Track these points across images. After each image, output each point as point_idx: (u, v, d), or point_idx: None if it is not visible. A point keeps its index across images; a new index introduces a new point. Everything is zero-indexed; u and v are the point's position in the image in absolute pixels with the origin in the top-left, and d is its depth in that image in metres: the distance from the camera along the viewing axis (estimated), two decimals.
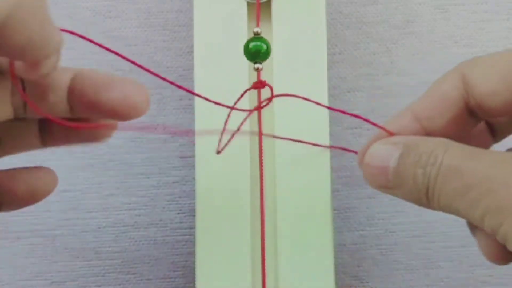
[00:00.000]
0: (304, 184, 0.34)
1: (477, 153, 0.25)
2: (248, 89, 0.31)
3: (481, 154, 0.25)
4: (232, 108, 0.31)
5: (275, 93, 0.34)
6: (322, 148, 0.34)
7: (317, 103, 0.32)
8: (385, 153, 0.27)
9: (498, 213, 0.23)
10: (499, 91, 0.26)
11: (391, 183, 0.26)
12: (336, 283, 0.34)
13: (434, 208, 0.26)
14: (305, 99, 0.32)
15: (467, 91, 0.27)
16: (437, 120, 0.28)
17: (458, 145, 0.25)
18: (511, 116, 0.29)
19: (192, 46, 0.37)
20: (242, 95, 0.32)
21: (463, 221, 0.41)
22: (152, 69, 0.42)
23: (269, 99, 0.32)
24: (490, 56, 0.27)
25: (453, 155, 0.25)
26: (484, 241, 0.27)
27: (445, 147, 0.25)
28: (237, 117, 0.35)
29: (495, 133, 0.30)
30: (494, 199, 0.23)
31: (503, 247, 0.25)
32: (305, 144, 0.34)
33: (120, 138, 0.41)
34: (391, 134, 0.28)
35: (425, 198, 0.25)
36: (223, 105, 0.30)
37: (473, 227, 0.28)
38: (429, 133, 0.28)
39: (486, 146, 0.30)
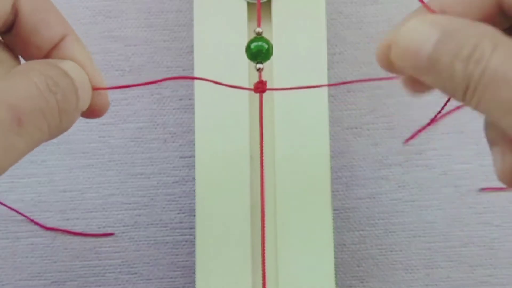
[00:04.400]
0: (304, 184, 0.34)
1: None
2: (256, 91, 0.31)
3: None
4: (234, 86, 0.30)
5: (275, 93, 0.34)
6: (322, 148, 0.34)
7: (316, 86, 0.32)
8: (420, 35, 0.23)
9: None
10: None
11: (423, 68, 0.23)
12: (336, 283, 0.34)
13: (467, 105, 0.23)
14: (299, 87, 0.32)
15: None
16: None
17: (509, 41, 0.22)
18: None
19: (192, 46, 0.37)
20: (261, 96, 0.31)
21: (463, 221, 0.41)
22: (152, 69, 0.42)
23: None
24: None
25: (504, 56, 0.21)
26: (502, 160, 0.24)
27: (493, 43, 0.21)
28: (237, 117, 0.35)
29: None
30: None
31: None
32: (305, 145, 0.34)
33: (120, 138, 0.41)
34: (432, 12, 0.25)
35: (461, 95, 0.22)
36: (234, 85, 0.29)
37: (494, 142, 0.25)
38: None
39: None
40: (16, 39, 0.27)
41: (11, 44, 0.27)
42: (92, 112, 0.27)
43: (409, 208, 0.41)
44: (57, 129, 0.24)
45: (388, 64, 0.25)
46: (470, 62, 0.21)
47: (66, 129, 0.25)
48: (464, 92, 0.22)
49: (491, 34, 0.22)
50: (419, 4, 0.25)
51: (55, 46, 0.27)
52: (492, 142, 0.25)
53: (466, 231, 0.41)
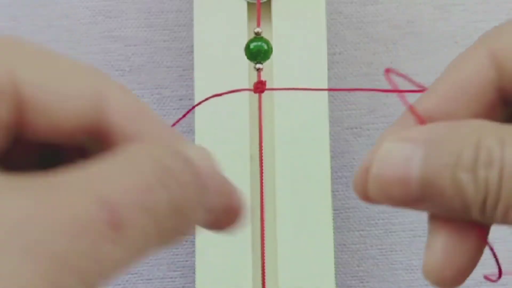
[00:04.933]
0: (304, 184, 0.34)
1: None
2: (256, 92, 0.31)
3: None
4: (233, 91, 0.30)
5: (275, 93, 0.34)
6: (322, 148, 0.34)
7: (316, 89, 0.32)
8: (401, 155, 0.18)
9: None
10: None
11: (415, 195, 0.19)
12: (336, 283, 0.34)
13: (488, 221, 0.19)
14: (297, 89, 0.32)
15: (500, 72, 0.20)
16: (460, 116, 0.19)
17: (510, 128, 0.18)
18: None
19: (192, 46, 0.37)
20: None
21: None
22: (152, 69, 0.42)
23: None
24: None
25: None
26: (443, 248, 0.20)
27: (498, 137, 0.17)
28: (237, 117, 0.35)
29: None
30: None
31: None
32: (305, 145, 0.34)
33: None
34: (421, 122, 0.20)
35: (479, 211, 0.18)
36: (233, 90, 0.30)
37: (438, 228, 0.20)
38: None
39: None
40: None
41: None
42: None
43: None
44: (170, 235, 0.18)
45: (368, 195, 0.20)
46: (479, 168, 0.17)
47: (184, 236, 0.18)
48: (482, 206, 0.18)
49: (491, 128, 0.18)
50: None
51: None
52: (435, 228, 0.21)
53: None
